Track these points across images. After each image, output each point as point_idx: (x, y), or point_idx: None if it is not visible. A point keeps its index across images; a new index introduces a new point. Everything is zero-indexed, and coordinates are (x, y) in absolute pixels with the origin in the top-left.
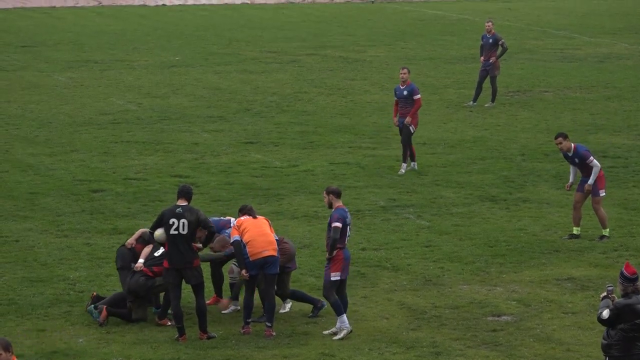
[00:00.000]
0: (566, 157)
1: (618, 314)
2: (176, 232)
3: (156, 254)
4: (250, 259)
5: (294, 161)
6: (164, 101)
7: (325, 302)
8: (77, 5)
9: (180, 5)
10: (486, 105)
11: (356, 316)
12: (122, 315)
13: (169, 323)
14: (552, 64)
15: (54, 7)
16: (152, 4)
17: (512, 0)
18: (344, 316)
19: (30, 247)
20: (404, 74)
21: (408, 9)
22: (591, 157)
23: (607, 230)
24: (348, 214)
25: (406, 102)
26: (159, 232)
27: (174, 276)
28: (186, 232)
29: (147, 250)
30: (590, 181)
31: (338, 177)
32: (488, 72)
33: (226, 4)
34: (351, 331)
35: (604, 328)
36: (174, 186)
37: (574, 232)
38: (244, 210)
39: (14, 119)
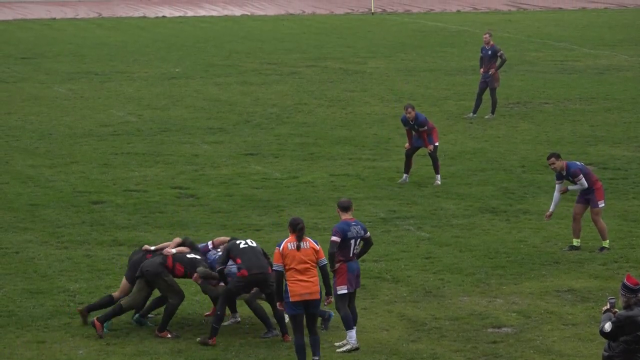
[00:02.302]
0: (560, 176)
1: (620, 326)
2: (246, 245)
3: (189, 256)
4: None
5: (294, 173)
6: (164, 113)
7: (332, 312)
8: (77, 17)
9: (180, 17)
10: (486, 117)
11: (356, 328)
12: (106, 308)
13: (169, 335)
14: (552, 76)
15: (54, 18)
16: (152, 15)
17: (512, 12)
18: (353, 331)
19: (30, 258)
20: (409, 113)
21: (408, 21)
22: (580, 176)
23: (607, 241)
24: (355, 227)
25: (419, 133)
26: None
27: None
28: (255, 244)
29: (183, 248)
30: (571, 187)
31: (338, 189)
32: (487, 83)
33: (226, 15)
34: (357, 349)
35: (604, 340)
36: (174, 198)
37: (574, 243)
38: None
39: (14, 130)
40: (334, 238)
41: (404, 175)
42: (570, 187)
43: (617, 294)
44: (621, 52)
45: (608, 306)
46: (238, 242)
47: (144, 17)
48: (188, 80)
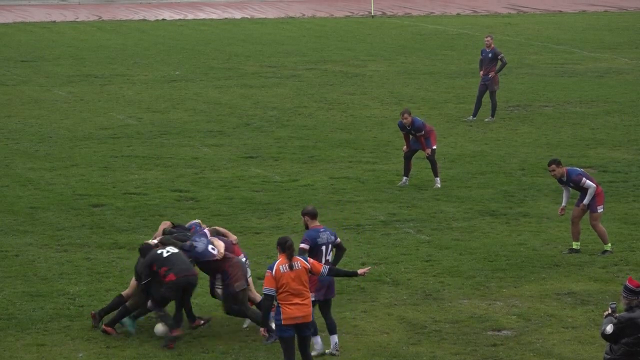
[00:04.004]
0: (561, 182)
1: (622, 327)
2: (169, 253)
3: (165, 255)
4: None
5: (294, 175)
6: (164, 116)
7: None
8: (78, 19)
9: (180, 19)
10: (486, 119)
11: (356, 331)
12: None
13: (202, 322)
14: (552, 79)
15: (54, 21)
16: (152, 18)
17: (512, 15)
18: (318, 337)
19: (30, 261)
20: (405, 118)
21: (408, 24)
22: (584, 179)
23: (609, 245)
24: (324, 233)
25: (417, 137)
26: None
27: None
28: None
29: (162, 238)
30: (586, 201)
31: (338, 192)
32: (487, 86)
33: (226, 18)
34: (323, 353)
35: (604, 343)
36: (174, 201)
37: (574, 246)
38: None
39: (14, 133)
40: (302, 245)
41: (404, 178)
42: (586, 201)
43: (618, 297)
44: (621, 55)
45: (609, 311)
46: (159, 251)
47: (144, 20)
48: (188, 83)
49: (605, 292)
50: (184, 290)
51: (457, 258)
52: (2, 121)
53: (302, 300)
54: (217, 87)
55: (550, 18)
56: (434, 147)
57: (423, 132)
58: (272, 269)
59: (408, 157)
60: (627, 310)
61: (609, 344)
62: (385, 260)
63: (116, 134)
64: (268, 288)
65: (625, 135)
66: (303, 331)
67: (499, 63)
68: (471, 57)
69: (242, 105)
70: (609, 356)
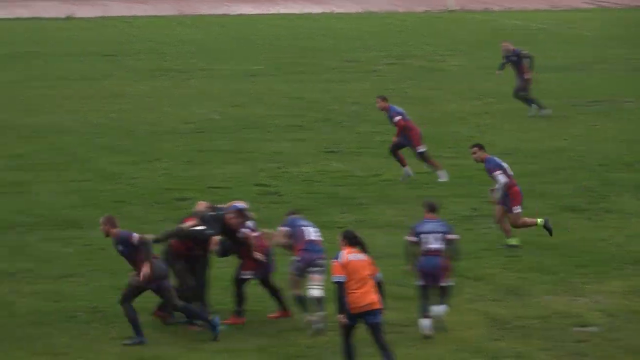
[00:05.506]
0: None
1: None
2: None
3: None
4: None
5: (375, 170)
6: (245, 110)
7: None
8: (157, 14)
9: (260, 14)
10: (540, 112)
11: (440, 326)
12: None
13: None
14: (633, 73)
15: (135, 15)
16: (232, 13)
17: (592, 10)
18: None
19: (115, 255)
20: (377, 102)
21: (487, 19)
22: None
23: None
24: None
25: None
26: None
27: None
28: None
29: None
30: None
31: (420, 187)
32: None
33: (306, 13)
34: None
35: None
36: (257, 195)
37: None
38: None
39: (97, 127)
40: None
41: (403, 170)
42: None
43: None
44: None
45: None
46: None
47: (225, 14)
48: (268, 78)
49: None
50: None
51: (539, 254)
52: (86, 115)
53: (369, 289)
54: (297, 82)
55: (631, 13)
56: (420, 149)
57: (394, 123)
58: (339, 258)
59: (393, 151)
60: None
61: None
62: (467, 255)
63: (198, 128)
64: (338, 276)
65: None
66: (371, 318)
67: (527, 60)
68: (551, 52)
69: (322, 100)
70: None
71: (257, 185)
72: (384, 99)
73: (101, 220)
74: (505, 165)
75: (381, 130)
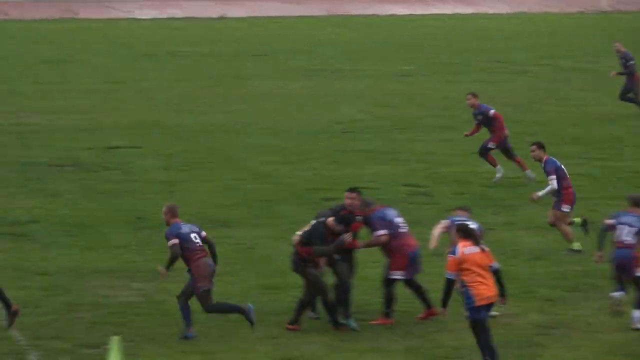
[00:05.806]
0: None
1: None
2: None
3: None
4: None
5: None
6: (395, 110)
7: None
8: (307, 14)
9: (409, 15)
10: None
11: (590, 328)
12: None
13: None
14: None
15: (285, 16)
16: (382, 13)
17: None
18: None
19: (265, 254)
20: (468, 99)
21: None
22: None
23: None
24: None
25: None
26: None
27: None
28: None
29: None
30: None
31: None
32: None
33: (456, 13)
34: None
35: None
36: (406, 195)
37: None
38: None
39: (248, 127)
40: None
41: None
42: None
43: None
44: None
45: None
46: None
47: (375, 15)
48: (418, 78)
49: None
50: None
51: None
52: (237, 115)
53: (489, 281)
54: (448, 82)
55: None
56: (490, 145)
57: (490, 117)
58: (455, 253)
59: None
60: None
61: None
62: None
63: (347, 129)
64: (449, 272)
65: None
66: (488, 311)
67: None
68: None
69: None
70: None
71: (406, 185)
72: (475, 95)
73: (164, 209)
74: (562, 167)
75: (532, 131)
